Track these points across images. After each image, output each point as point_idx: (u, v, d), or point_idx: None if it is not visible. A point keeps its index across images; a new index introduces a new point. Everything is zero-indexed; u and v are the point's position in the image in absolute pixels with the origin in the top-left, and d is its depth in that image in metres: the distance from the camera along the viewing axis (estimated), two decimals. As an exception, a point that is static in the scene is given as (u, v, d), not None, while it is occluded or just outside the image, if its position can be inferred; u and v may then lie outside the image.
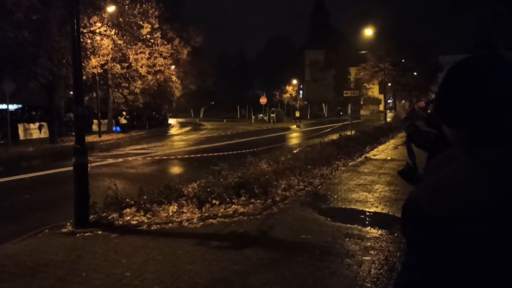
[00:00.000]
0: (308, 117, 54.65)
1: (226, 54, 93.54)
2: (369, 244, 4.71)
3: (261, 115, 44.34)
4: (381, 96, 56.55)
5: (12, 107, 24.59)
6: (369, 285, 3.67)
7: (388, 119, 36.11)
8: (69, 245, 4.88)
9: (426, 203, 0.89)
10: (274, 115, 43.72)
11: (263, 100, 42.88)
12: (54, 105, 22.39)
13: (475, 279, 0.82)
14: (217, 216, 5.81)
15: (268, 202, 6.54)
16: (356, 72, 60.60)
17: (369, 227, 5.37)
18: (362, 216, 5.97)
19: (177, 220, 5.66)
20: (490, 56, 0.97)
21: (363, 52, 45.04)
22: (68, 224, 5.61)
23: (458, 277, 0.84)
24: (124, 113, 31.18)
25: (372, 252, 4.46)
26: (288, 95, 67.75)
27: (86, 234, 5.25)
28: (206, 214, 5.85)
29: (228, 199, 6.34)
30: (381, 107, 58.90)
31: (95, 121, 27.98)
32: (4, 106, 19.75)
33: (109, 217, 5.76)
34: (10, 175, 11.08)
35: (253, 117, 45.59)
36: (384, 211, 6.21)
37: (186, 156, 13.44)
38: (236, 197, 6.49)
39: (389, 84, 46.97)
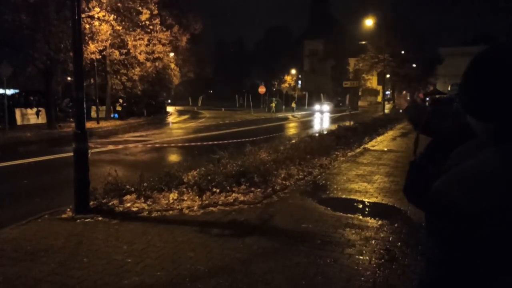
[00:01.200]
0: (306, 107, 54.56)
1: (224, 43, 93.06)
2: (369, 234, 4.73)
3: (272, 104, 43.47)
4: (380, 88, 56.44)
5: (9, 91, 24.34)
6: (370, 274, 3.69)
7: (386, 111, 36.10)
8: (69, 231, 4.86)
9: (453, 195, 0.87)
10: (273, 104, 43.50)
11: (261, 90, 42.61)
12: (52, 91, 22.18)
13: (502, 273, 0.80)
14: (218, 204, 5.81)
15: (268, 191, 6.54)
16: (355, 63, 60.23)
17: (370, 217, 5.39)
18: (362, 206, 5.99)
19: (177, 207, 5.66)
20: None
21: (363, 42, 44.74)
22: (68, 209, 5.59)
23: (484, 270, 0.82)
24: (120, 100, 30.98)
25: (373, 242, 4.47)
26: (286, 85, 67.51)
27: (87, 220, 5.24)
28: (206, 202, 5.85)
29: (228, 188, 6.34)
30: (379, 98, 58.88)
31: (94, 107, 27.81)
32: (1, 91, 19.54)
33: (110, 204, 5.75)
34: (8, 160, 11.02)
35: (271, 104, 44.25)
36: (384, 202, 6.22)
37: (185, 144, 13.40)
38: (236, 186, 6.49)
39: (388, 76, 46.79)
